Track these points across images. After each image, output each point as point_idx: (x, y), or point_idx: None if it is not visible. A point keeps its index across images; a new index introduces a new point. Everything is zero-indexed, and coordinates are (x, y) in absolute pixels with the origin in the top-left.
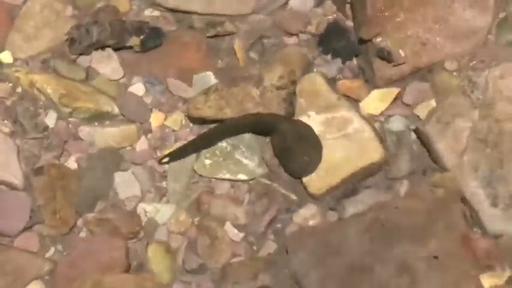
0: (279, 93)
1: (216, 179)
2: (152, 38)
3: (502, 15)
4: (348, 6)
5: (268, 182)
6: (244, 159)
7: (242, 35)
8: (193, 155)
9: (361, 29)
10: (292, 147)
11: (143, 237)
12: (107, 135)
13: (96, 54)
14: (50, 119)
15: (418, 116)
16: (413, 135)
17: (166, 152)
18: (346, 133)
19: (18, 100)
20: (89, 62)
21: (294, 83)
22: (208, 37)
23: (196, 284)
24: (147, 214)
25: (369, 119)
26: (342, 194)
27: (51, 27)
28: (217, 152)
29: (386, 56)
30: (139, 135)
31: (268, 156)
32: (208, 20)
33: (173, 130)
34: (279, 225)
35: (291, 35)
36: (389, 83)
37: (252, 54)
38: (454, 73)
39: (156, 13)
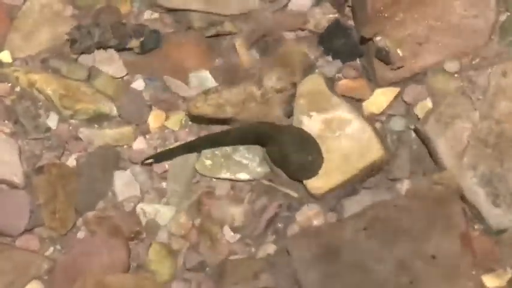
0: (279, 93)
1: (217, 178)
2: (152, 40)
3: (503, 15)
4: (347, 6)
5: (268, 183)
6: (244, 160)
7: (243, 35)
8: (194, 155)
9: (361, 28)
10: (289, 154)
11: (145, 238)
12: (106, 135)
13: (98, 54)
14: (51, 121)
15: (418, 116)
16: (414, 135)
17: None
18: (346, 133)
19: (18, 99)
20: (91, 60)
21: (295, 83)
22: (207, 37)
23: (196, 282)
24: (147, 215)
25: (370, 119)
26: (342, 194)
27: (51, 26)
28: (217, 152)
29: (384, 57)
30: (137, 135)
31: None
32: (208, 20)
33: (172, 130)
34: (279, 225)
35: (292, 34)
36: (390, 82)
37: (253, 54)
38: (455, 74)
39: (156, 15)
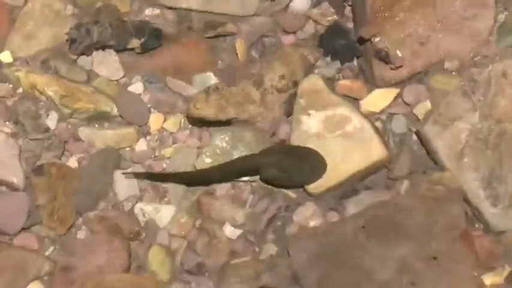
0: (279, 94)
1: None
2: (153, 40)
3: (502, 15)
4: (347, 7)
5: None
6: None
7: (243, 35)
8: (194, 154)
9: (360, 29)
10: (287, 171)
11: (145, 238)
12: (106, 135)
13: (96, 55)
14: (51, 120)
15: (417, 116)
16: (414, 136)
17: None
18: (346, 132)
19: (19, 100)
20: (89, 62)
21: (295, 84)
22: (208, 37)
23: (196, 283)
24: (147, 215)
25: (370, 118)
26: (343, 194)
27: (51, 26)
28: (217, 151)
29: (384, 58)
30: (139, 137)
31: None
32: (209, 20)
33: (171, 132)
34: (279, 223)
35: (292, 35)
36: (389, 83)
37: (253, 54)
38: (454, 73)
39: (157, 13)
